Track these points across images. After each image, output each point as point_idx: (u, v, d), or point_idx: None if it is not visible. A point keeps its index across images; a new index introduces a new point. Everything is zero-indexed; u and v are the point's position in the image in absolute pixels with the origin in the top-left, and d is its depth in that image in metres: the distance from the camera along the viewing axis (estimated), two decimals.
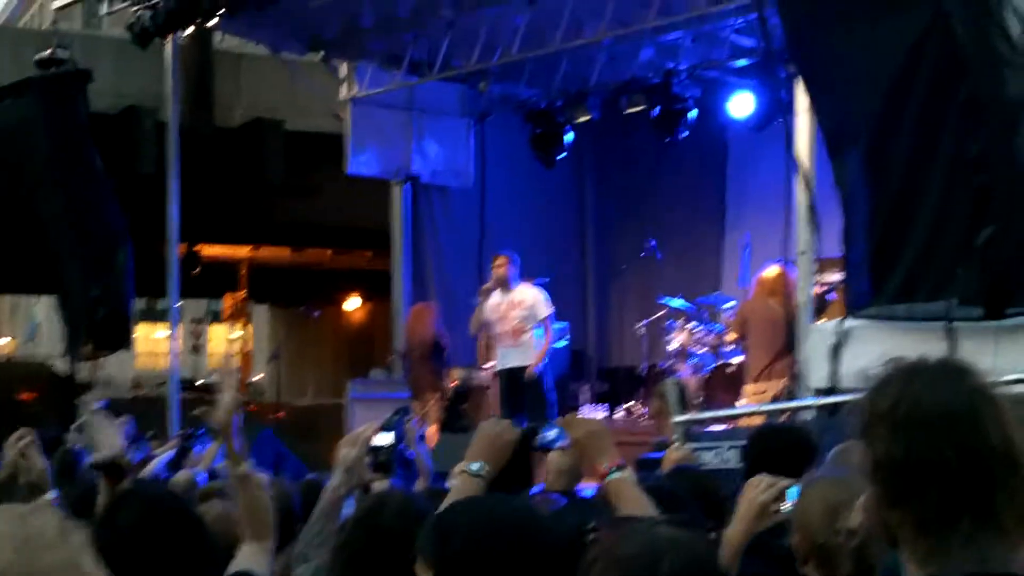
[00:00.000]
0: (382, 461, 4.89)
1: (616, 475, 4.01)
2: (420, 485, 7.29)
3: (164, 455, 9.28)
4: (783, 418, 9.08)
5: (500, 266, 13.86)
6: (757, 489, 4.18)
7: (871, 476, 2.52)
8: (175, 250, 15.52)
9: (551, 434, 4.30)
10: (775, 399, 12.18)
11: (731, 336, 14.03)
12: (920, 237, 7.89)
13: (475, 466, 4.11)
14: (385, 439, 4.91)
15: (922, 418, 2.45)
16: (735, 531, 4.10)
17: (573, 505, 4.66)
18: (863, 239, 8.34)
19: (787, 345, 12.35)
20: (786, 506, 4.04)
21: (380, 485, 5.19)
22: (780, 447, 5.62)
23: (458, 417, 15.22)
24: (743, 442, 7.76)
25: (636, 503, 3.87)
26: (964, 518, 2.41)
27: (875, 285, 8.30)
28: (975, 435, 2.43)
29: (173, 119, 15.52)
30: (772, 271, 12.98)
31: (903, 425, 2.45)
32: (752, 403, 12.45)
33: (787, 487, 4.06)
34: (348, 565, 3.86)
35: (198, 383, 32.05)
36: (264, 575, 4.18)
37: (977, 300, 7.67)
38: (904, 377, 2.53)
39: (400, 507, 3.92)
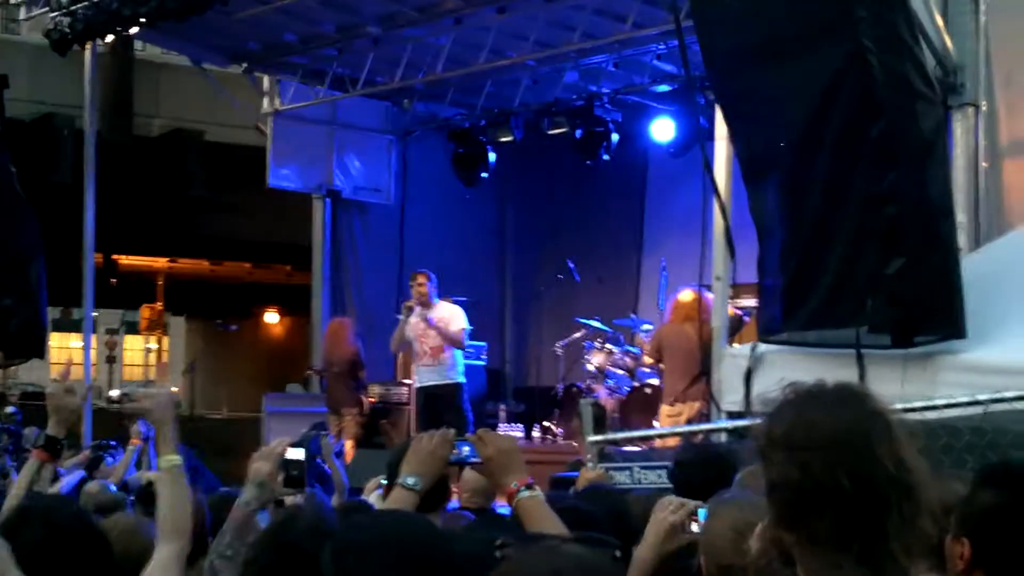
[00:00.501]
0: (294, 476, 4.88)
1: (525, 494, 4.03)
2: (336, 500, 7.30)
3: (73, 474, 9.17)
4: (697, 440, 9.13)
5: (421, 284, 13.85)
6: (667, 510, 4.22)
7: (768, 497, 2.57)
8: (91, 260, 15.37)
9: (465, 450, 4.31)
10: (690, 421, 12.26)
11: (647, 359, 14.11)
12: (832, 266, 7.99)
13: (411, 480, 4.14)
14: (298, 453, 4.90)
15: (817, 442, 2.49)
16: (644, 552, 4.14)
17: (484, 522, 4.68)
18: (777, 266, 8.44)
19: (702, 369, 12.45)
20: (695, 527, 4.08)
21: (292, 500, 5.19)
22: (710, 467, 5.65)
23: (375, 433, 15.19)
24: (657, 463, 7.86)
25: (545, 523, 3.88)
26: (856, 541, 2.46)
27: (787, 311, 8.40)
28: (869, 460, 2.47)
29: (90, 127, 15.35)
30: (687, 295, 13.06)
31: (799, 449, 2.49)
32: (667, 425, 12.53)
33: (696, 508, 4.10)
34: None
35: (111, 394, 31.67)
36: None
37: (886, 329, 7.78)
38: (801, 401, 2.57)
39: (310, 523, 3.91)
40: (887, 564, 2.47)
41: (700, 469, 5.64)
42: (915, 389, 7.37)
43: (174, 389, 4.94)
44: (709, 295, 11.86)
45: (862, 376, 7.79)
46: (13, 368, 16.60)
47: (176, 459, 4.48)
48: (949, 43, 8.89)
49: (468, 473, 8.35)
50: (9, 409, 12.98)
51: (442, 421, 13.23)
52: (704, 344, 12.34)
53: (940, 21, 8.84)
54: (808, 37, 7.98)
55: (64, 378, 5.21)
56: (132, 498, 7.77)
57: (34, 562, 3.45)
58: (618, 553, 3.01)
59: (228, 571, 4.30)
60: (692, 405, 12.71)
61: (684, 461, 5.92)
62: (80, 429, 14.08)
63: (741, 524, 3.76)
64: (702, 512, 4.07)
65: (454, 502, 8.39)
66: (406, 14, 14.27)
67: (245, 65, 16.06)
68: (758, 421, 2.72)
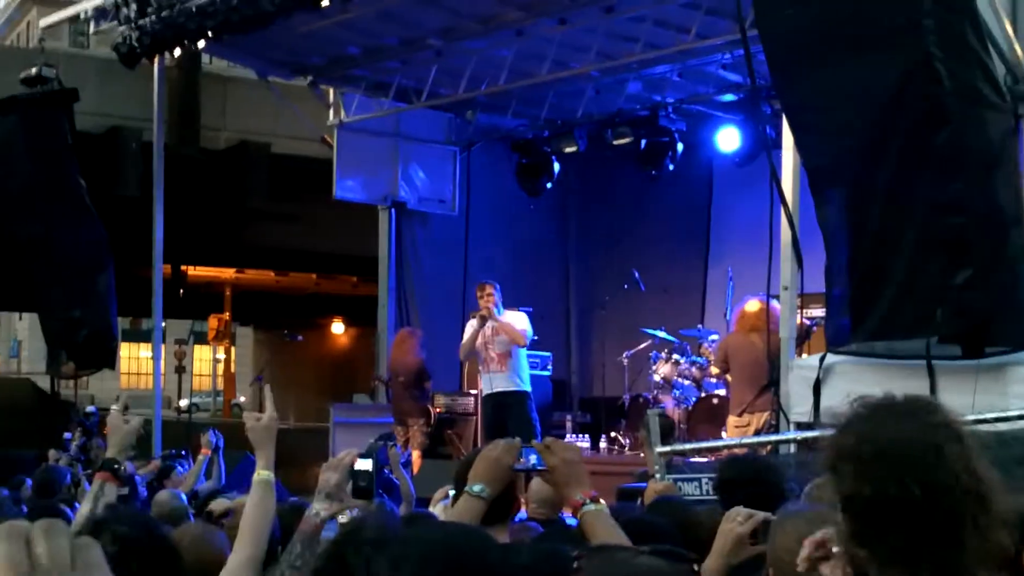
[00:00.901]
0: (363, 487, 4.90)
1: (590, 507, 4.03)
2: (403, 510, 7.33)
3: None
4: (765, 451, 9.09)
5: (489, 294, 13.86)
6: (734, 522, 4.21)
7: (842, 513, 2.55)
8: (159, 271, 15.50)
9: (532, 458, 4.32)
10: (758, 432, 12.20)
11: (714, 369, 14.07)
12: (899, 276, 7.93)
13: (477, 488, 4.18)
14: (366, 464, 4.92)
15: (887, 455, 2.47)
16: (712, 563, 4.13)
17: (552, 533, 4.68)
18: (844, 276, 8.38)
19: (769, 379, 12.40)
20: (765, 539, 4.07)
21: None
22: (747, 477, 5.62)
23: (442, 443, 15.22)
24: None
25: (611, 536, 3.88)
26: (931, 555, 2.43)
27: (855, 322, 8.35)
28: (940, 471, 2.45)
29: (158, 140, 15.48)
30: (753, 305, 13.01)
31: (869, 462, 2.48)
32: (735, 435, 12.48)
33: (765, 519, 4.08)
34: None
35: (180, 404, 31.95)
36: None
37: (955, 339, 7.72)
38: (870, 415, 2.55)
39: (376, 534, 3.93)
40: None
41: (741, 484, 5.61)
42: (987, 400, 7.31)
43: (240, 399, 5.10)
44: (776, 305, 11.81)
45: (933, 387, 7.73)
46: (83, 378, 16.72)
47: (268, 475, 4.69)
48: (1019, 51, 8.79)
49: (536, 484, 8.34)
50: (89, 409, 13.09)
51: (509, 429, 13.33)
52: (771, 354, 12.29)
53: (1010, 28, 8.73)
54: (874, 45, 7.92)
55: (123, 407, 5.45)
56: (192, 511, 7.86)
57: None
58: (696, 566, 2.99)
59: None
60: (760, 416, 12.66)
61: (726, 476, 5.87)
62: (151, 440, 14.22)
63: (808, 536, 3.75)
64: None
65: (522, 513, 8.41)
66: (467, 27, 14.29)
67: (310, 78, 16.16)
68: (827, 433, 2.70)
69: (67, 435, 11.91)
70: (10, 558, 1.29)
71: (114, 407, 5.47)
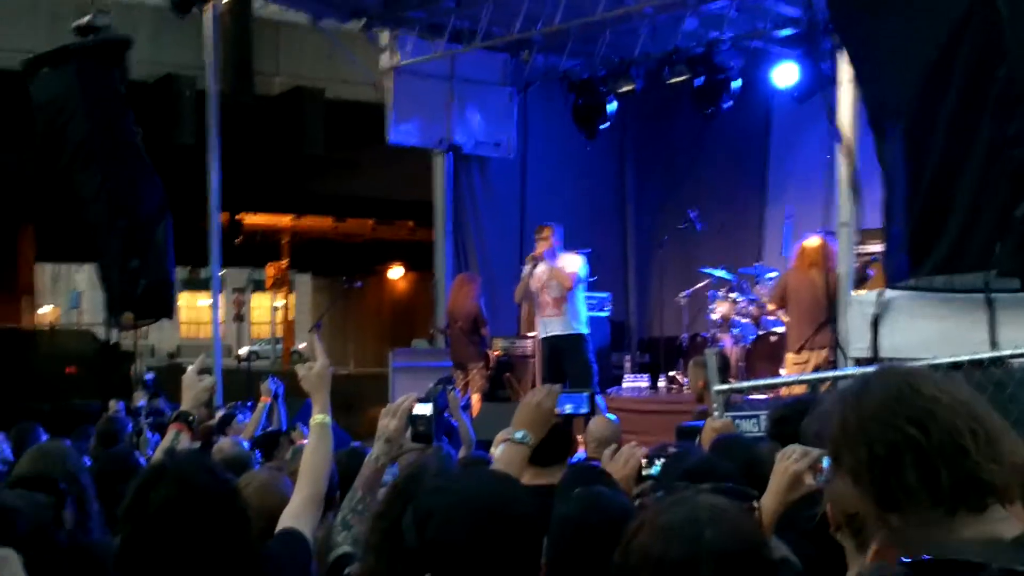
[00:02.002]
0: (422, 431, 4.91)
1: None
2: (463, 453, 7.35)
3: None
4: (824, 388, 9.05)
5: (546, 237, 13.80)
6: (789, 459, 4.20)
7: (857, 491, 2.52)
8: (217, 220, 15.57)
9: (568, 406, 4.35)
10: (816, 369, 12.17)
11: (771, 306, 14.00)
12: (960, 212, 7.87)
13: (519, 435, 4.23)
14: (425, 409, 4.93)
15: (870, 414, 2.46)
16: (768, 501, 4.12)
17: (585, 472, 4.70)
18: (903, 213, 8.33)
19: (828, 316, 12.34)
20: (820, 476, 4.06)
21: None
22: (801, 415, 5.58)
23: (501, 387, 15.25)
24: None
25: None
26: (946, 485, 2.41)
27: (915, 258, 8.30)
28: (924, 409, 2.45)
29: (212, 88, 15.51)
30: (813, 241, 12.94)
31: (858, 430, 2.46)
32: (793, 372, 12.44)
33: (820, 456, 4.07)
34: (386, 533, 3.88)
35: (240, 352, 32.17)
36: (308, 535, 4.25)
37: (1016, 273, 7.65)
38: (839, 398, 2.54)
39: (435, 477, 3.94)
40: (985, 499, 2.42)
41: (796, 422, 5.55)
42: None
43: (301, 346, 5.22)
44: (835, 241, 11.76)
45: (993, 321, 7.67)
46: (144, 328, 16.84)
47: (324, 418, 4.76)
48: None
49: (593, 424, 8.36)
50: (147, 377, 13.20)
51: (566, 372, 13.34)
52: (830, 291, 12.23)
53: None
54: None
55: (200, 368, 5.57)
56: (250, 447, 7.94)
57: (170, 518, 3.52)
58: (756, 503, 2.99)
59: (360, 525, 4.37)
60: (819, 353, 12.63)
61: (780, 415, 5.82)
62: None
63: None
64: (826, 460, 4.04)
65: (581, 452, 8.41)
66: None
67: (364, 21, 16.10)
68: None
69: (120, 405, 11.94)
70: None
71: (191, 366, 5.56)
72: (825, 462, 4.04)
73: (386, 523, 3.92)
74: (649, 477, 4.55)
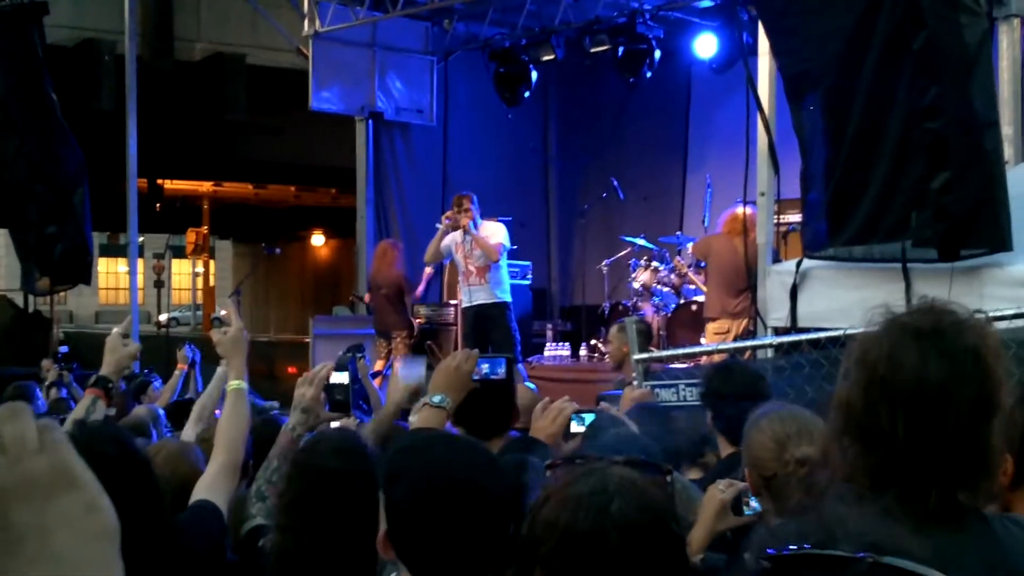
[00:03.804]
0: (339, 400, 4.91)
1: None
2: (374, 419, 7.34)
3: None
4: (744, 356, 9.12)
5: (467, 209, 13.75)
6: (716, 489, 4.21)
7: (838, 410, 2.57)
8: (134, 186, 15.42)
9: (485, 367, 4.35)
10: (737, 339, 12.24)
11: (695, 255, 13.99)
12: (877, 181, 7.95)
13: (436, 398, 4.20)
14: (342, 378, 4.93)
15: (924, 396, 2.51)
16: (698, 533, 4.13)
17: (525, 442, 4.69)
18: (821, 182, 8.40)
19: (748, 285, 12.44)
20: (748, 509, 4.08)
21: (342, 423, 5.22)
22: (736, 382, 5.64)
23: (423, 354, 15.24)
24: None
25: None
26: (947, 478, 2.48)
27: (832, 227, 8.37)
28: (973, 416, 2.51)
29: (131, 53, 15.34)
30: (740, 210, 13.00)
31: (904, 399, 2.51)
32: (714, 342, 12.51)
33: (745, 489, 4.08)
34: (288, 510, 3.87)
35: (160, 319, 31.90)
36: (222, 506, 4.22)
37: (932, 243, 7.74)
38: (901, 339, 2.58)
39: (333, 447, 3.93)
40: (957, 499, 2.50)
41: (730, 395, 5.59)
42: (962, 303, 7.33)
43: (220, 313, 5.21)
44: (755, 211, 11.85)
45: (908, 290, 7.76)
46: (61, 294, 16.67)
47: (241, 384, 4.71)
48: None
49: (520, 393, 8.37)
50: (59, 345, 13.07)
51: (490, 340, 13.35)
52: (749, 260, 12.32)
53: None
54: None
55: (125, 331, 5.46)
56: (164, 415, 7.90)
57: None
58: (668, 477, 3.00)
59: (275, 496, 4.35)
60: (739, 322, 12.70)
61: (714, 388, 5.85)
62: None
63: (781, 435, 3.79)
64: (753, 498, 4.07)
65: None
66: None
67: None
68: (853, 341, 2.71)
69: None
70: None
71: (116, 328, 5.46)
72: (752, 498, 4.09)
73: (287, 500, 3.92)
74: (577, 434, 4.55)
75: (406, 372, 5.63)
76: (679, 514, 2.54)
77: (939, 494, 2.48)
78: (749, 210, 12.86)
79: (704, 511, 4.17)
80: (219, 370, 5.55)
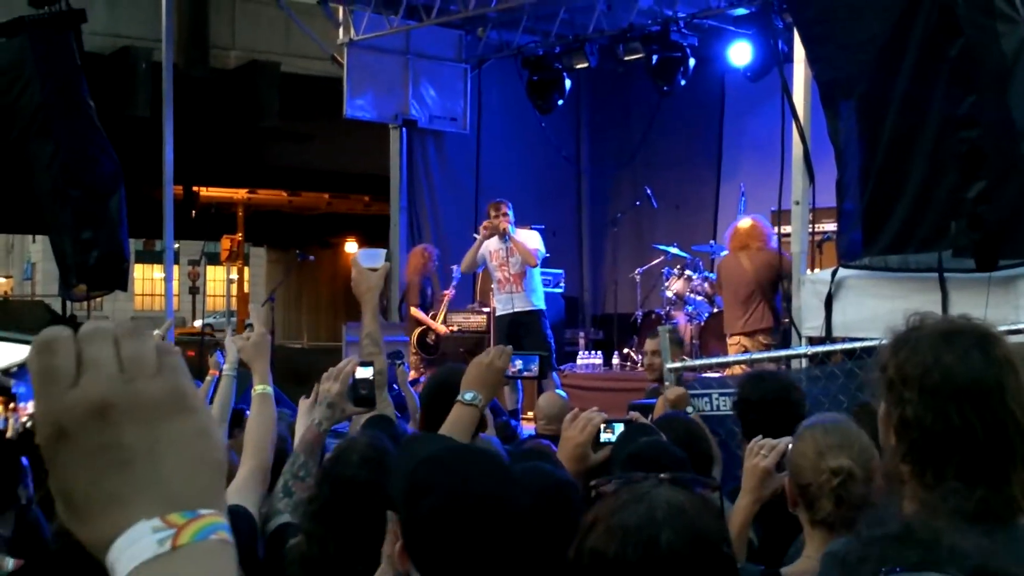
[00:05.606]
0: (364, 395, 4.89)
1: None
2: (412, 425, 7.35)
3: None
4: (777, 366, 9.07)
5: (504, 213, 13.78)
6: (758, 456, 4.18)
7: (896, 433, 2.58)
8: (170, 192, 15.46)
9: (519, 363, 4.34)
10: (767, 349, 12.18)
11: (709, 290, 14.17)
12: (913, 190, 7.90)
13: (468, 395, 4.19)
14: (367, 372, 4.90)
15: (953, 389, 2.53)
16: (743, 501, 4.10)
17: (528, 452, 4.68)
18: (856, 191, 8.36)
19: (762, 298, 12.41)
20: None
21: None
22: (770, 394, 5.59)
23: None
24: (734, 390, 7.81)
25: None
26: (980, 485, 2.49)
27: (868, 236, 8.33)
28: (1002, 409, 2.53)
29: (167, 60, 15.39)
30: (745, 223, 12.93)
31: (934, 393, 2.52)
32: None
33: (787, 447, 4.05)
34: (315, 518, 3.87)
35: (195, 325, 32.02)
36: (253, 510, 4.22)
37: (969, 252, 7.69)
38: (935, 342, 2.58)
39: (363, 456, 3.91)
40: (1005, 508, 2.49)
41: (762, 405, 5.53)
42: (999, 313, 7.29)
43: (263, 330, 5.19)
44: (764, 221, 11.89)
45: (945, 301, 7.72)
46: (97, 299, 16.73)
47: (265, 388, 4.85)
48: None
49: (543, 400, 8.37)
50: None
51: (525, 347, 13.32)
52: (758, 272, 12.29)
53: None
54: None
55: (163, 332, 5.53)
56: None
57: None
58: (716, 494, 2.96)
59: (301, 491, 4.35)
60: (753, 340, 12.56)
61: (745, 396, 5.79)
62: None
63: (822, 445, 3.76)
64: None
65: (531, 429, 8.42)
66: None
67: None
68: (883, 349, 2.71)
69: None
70: (98, 358, 1.28)
71: (156, 331, 5.48)
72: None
73: (316, 505, 3.92)
74: (607, 443, 4.53)
75: (367, 258, 5.63)
76: (728, 532, 2.51)
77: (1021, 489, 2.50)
78: (749, 221, 12.83)
79: (747, 480, 4.18)
80: (223, 381, 5.61)
